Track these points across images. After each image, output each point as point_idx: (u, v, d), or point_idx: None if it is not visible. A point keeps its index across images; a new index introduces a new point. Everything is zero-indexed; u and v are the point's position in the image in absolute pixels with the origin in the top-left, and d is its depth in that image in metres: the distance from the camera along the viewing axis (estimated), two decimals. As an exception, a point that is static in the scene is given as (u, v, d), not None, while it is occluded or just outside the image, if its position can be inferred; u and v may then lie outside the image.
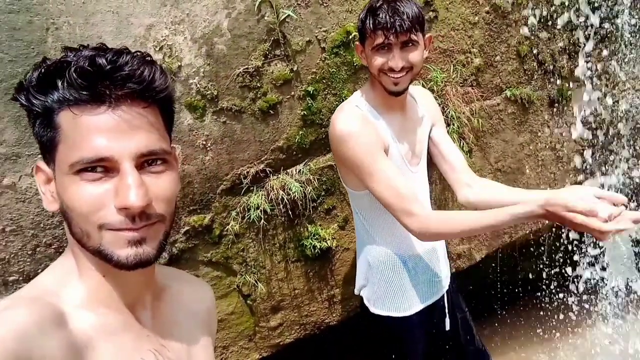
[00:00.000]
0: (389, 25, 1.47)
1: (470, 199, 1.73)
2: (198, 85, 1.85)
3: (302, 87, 2.02)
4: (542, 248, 2.71)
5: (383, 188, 1.53)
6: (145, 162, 0.76)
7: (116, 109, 0.74)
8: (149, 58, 0.79)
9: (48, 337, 0.71)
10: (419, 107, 1.78)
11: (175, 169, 0.84)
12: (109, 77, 0.73)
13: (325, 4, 1.98)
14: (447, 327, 1.85)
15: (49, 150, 0.78)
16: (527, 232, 2.71)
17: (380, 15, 1.48)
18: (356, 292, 1.88)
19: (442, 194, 2.36)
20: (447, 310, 1.84)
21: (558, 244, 2.58)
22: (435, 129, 1.81)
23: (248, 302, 2.22)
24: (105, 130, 0.73)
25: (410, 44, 1.53)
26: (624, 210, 1.22)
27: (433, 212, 1.57)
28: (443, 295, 1.84)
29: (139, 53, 0.78)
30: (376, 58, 1.54)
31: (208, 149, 1.93)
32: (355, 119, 1.58)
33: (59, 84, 0.73)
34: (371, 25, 1.51)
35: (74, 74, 0.72)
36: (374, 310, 1.79)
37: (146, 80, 0.76)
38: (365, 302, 1.83)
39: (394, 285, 1.74)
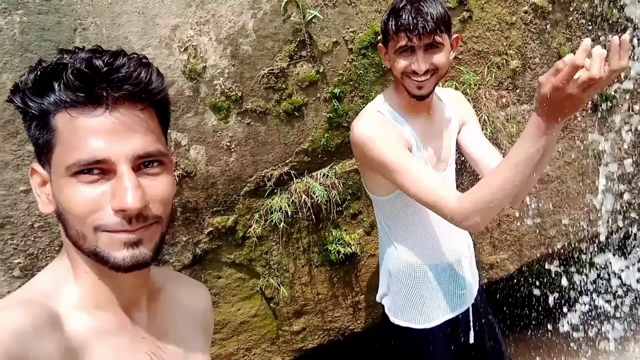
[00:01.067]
0: (411, 27, 1.40)
1: None
2: (223, 86, 1.84)
3: (328, 89, 1.98)
4: (582, 261, 2.56)
5: (412, 183, 1.43)
6: (141, 163, 0.76)
7: (113, 111, 0.74)
8: (145, 60, 0.79)
9: (44, 339, 0.71)
10: (447, 110, 1.70)
11: (172, 170, 0.84)
12: (105, 79, 0.73)
13: (353, 4, 1.93)
14: (472, 341, 1.77)
15: (44, 153, 0.77)
16: (566, 243, 2.57)
17: (403, 16, 1.42)
18: (378, 299, 1.83)
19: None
20: (472, 324, 1.76)
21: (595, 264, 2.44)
22: (466, 127, 1.71)
23: (271, 305, 2.20)
24: (102, 132, 0.73)
25: (435, 46, 1.45)
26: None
27: (464, 194, 1.38)
28: (469, 308, 1.76)
29: (135, 55, 0.78)
30: (399, 61, 1.48)
31: (232, 150, 1.92)
32: (375, 123, 1.53)
33: (56, 86, 0.73)
34: (393, 27, 1.45)
35: (70, 76, 0.72)
36: (394, 320, 1.74)
37: (143, 82, 0.76)
38: (386, 311, 1.78)
39: (415, 296, 1.68)
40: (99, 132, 0.73)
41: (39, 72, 0.75)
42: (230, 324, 2.15)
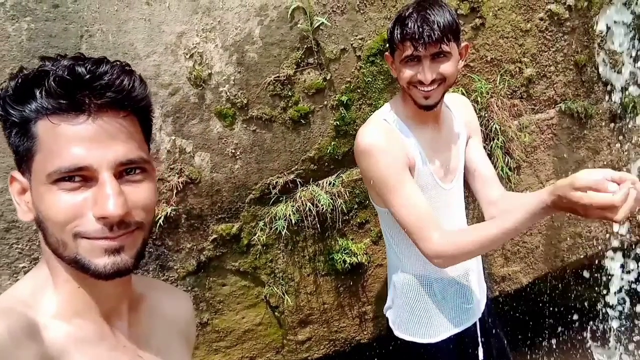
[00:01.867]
0: (417, 36, 1.36)
1: (493, 215, 1.63)
2: (228, 93, 1.83)
3: (335, 97, 1.96)
4: (598, 274, 2.48)
5: (403, 209, 1.45)
6: (123, 171, 0.76)
7: (95, 118, 0.74)
8: (128, 67, 0.80)
9: (21, 348, 0.70)
10: (455, 118, 1.66)
11: (154, 177, 0.84)
12: (88, 86, 0.73)
13: (361, 11, 1.91)
14: (481, 357, 1.72)
15: (25, 160, 0.77)
16: (582, 256, 2.50)
17: (409, 24, 1.38)
18: (384, 311, 1.79)
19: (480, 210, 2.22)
20: (480, 339, 1.71)
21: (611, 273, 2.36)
22: (471, 141, 1.68)
23: (276, 313, 2.18)
24: (83, 139, 0.73)
25: (442, 55, 1.41)
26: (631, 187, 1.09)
27: (447, 234, 1.44)
28: (476, 323, 1.71)
29: (118, 62, 0.78)
30: (405, 70, 1.44)
31: (237, 157, 1.91)
32: (380, 133, 1.50)
33: (37, 93, 0.73)
34: (399, 36, 1.41)
35: (53, 83, 0.72)
36: (398, 333, 1.70)
37: (125, 89, 0.76)
38: (390, 324, 1.74)
39: (419, 310, 1.64)
40: (81, 139, 0.73)
41: (20, 80, 0.75)
42: (234, 332, 2.13)
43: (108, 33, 1.67)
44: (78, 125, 0.73)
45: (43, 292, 0.79)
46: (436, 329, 1.65)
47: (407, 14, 1.41)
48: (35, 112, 0.73)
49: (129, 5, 1.67)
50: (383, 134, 1.50)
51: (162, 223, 1.84)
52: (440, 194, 1.61)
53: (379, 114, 1.59)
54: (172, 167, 1.83)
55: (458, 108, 1.69)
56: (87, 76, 0.72)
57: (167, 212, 1.84)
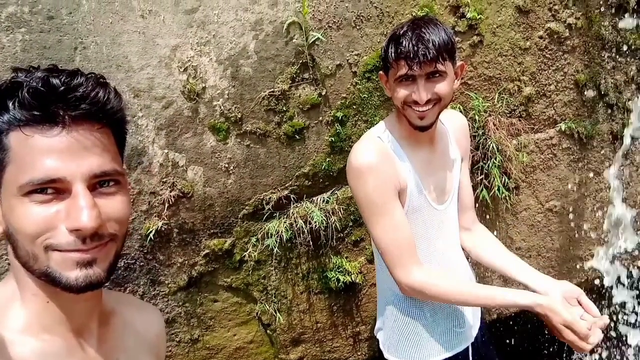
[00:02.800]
0: (412, 55, 1.33)
1: (465, 244, 1.72)
2: (222, 107, 1.83)
3: (330, 112, 1.94)
4: (599, 300, 2.43)
5: (386, 235, 1.45)
6: (97, 183, 0.75)
7: (69, 130, 0.73)
8: (102, 80, 0.79)
9: None
10: (451, 137, 1.63)
11: (128, 190, 0.83)
12: (62, 98, 0.72)
13: (358, 27, 1.90)
14: None
15: None
16: (583, 280, 2.44)
17: (403, 43, 1.35)
18: (375, 333, 1.75)
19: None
20: None
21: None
22: (462, 164, 1.66)
23: (268, 331, 2.14)
24: (57, 151, 0.72)
25: (437, 75, 1.38)
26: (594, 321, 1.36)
27: (429, 272, 1.47)
28: (468, 347, 1.66)
29: (92, 74, 0.78)
30: (399, 90, 1.41)
31: (230, 172, 1.89)
32: (374, 153, 1.46)
33: (10, 104, 0.72)
34: (393, 55, 1.38)
35: (26, 95, 0.71)
36: (388, 356, 1.65)
37: (100, 101, 0.76)
38: (380, 346, 1.70)
39: (409, 333, 1.59)
40: (55, 151, 0.72)
41: None
42: (225, 350, 2.10)
43: (102, 45, 1.67)
44: (52, 138, 0.72)
45: (10, 306, 0.78)
46: (427, 352, 1.60)
47: (401, 33, 1.38)
48: (8, 123, 0.73)
49: (123, 18, 1.67)
50: (377, 154, 1.46)
51: (153, 237, 1.82)
52: (434, 214, 1.57)
53: (373, 131, 1.56)
54: (164, 180, 1.82)
55: (454, 127, 1.66)
56: (62, 88, 0.72)
57: (158, 226, 1.82)
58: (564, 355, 2.63)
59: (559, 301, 1.39)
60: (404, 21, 1.59)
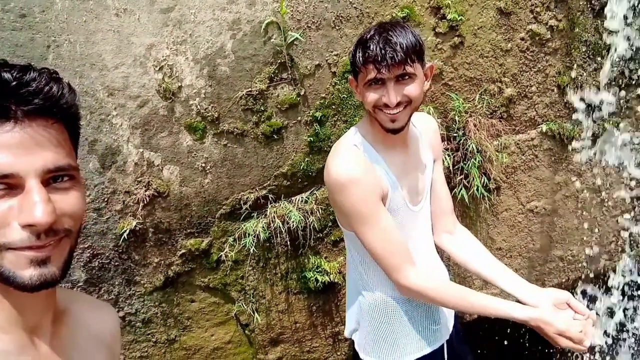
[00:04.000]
0: (380, 58, 1.32)
1: (446, 246, 1.71)
2: (199, 107, 1.81)
3: (309, 112, 1.93)
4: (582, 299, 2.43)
5: (378, 242, 1.44)
6: (51, 178, 0.74)
7: (22, 126, 0.72)
8: (55, 75, 0.78)
9: None
10: (423, 139, 1.62)
11: (82, 185, 0.82)
12: (14, 93, 0.71)
13: (337, 27, 1.89)
14: None
15: None
16: (564, 280, 2.45)
17: (371, 47, 1.34)
18: (347, 334, 1.74)
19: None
20: None
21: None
22: (435, 165, 1.65)
23: (246, 331, 2.14)
24: (10, 146, 0.71)
25: (406, 77, 1.37)
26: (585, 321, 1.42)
27: (426, 276, 1.48)
28: (443, 344, 1.66)
29: (46, 69, 0.76)
30: (369, 94, 1.40)
31: (207, 171, 1.88)
32: (354, 165, 1.44)
33: None
34: (361, 59, 1.37)
35: None
36: (364, 357, 1.65)
37: (54, 96, 0.74)
38: (356, 347, 1.69)
39: (386, 332, 1.59)
40: (7, 146, 0.70)
41: None
42: (203, 350, 2.09)
43: (76, 44, 1.66)
44: (4, 133, 0.71)
45: None
46: (403, 350, 1.60)
47: (368, 37, 1.37)
48: None
49: (97, 16, 1.66)
50: (358, 165, 1.44)
51: (127, 236, 1.81)
52: (410, 216, 1.57)
53: (347, 139, 1.53)
54: (139, 179, 1.81)
55: (425, 128, 1.66)
56: (14, 83, 0.70)
57: (132, 226, 1.81)
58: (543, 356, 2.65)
59: (550, 311, 1.42)
60: (373, 24, 1.58)
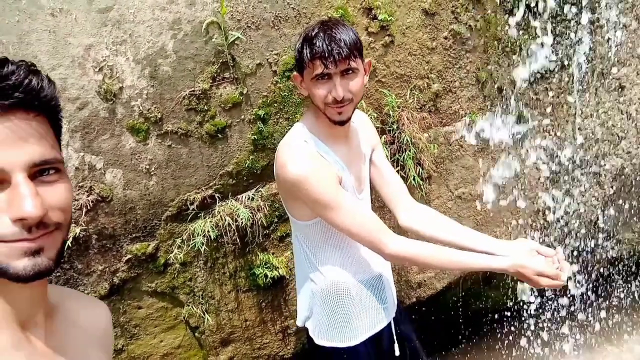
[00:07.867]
0: (326, 54, 1.40)
1: (411, 225, 1.77)
2: (141, 108, 1.78)
3: (252, 111, 1.96)
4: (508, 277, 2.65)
5: (353, 225, 1.50)
6: (37, 172, 0.73)
7: (4, 120, 0.70)
8: (34, 67, 0.76)
9: None
10: (359, 132, 1.73)
11: (68, 177, 0.81)
12: None
13: (276, 27, 1.94)
14: (397, 353, 1.77)
15: None
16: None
17: (317, 43, 1.41)
18: (299, 323, 1.79)
19: (382, 218, 2.30)
20: (395, 337, 1.77)
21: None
22: (375, 153, 1.76)
23: (196, 334, 2.12)
24: None
25: (351, 72, 1.46)
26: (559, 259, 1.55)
27: (405, 241, 1.55)
28: (390, 322, 1.76)
29: (23, 62, 0.75)
30: (317, 89, 1.47)
31: (152, 173, 1.85)
32: (307, 159, 1.50)
33: None
34: (309, 55, 1.44)
35: None
36: (318, 341, 1.71)
37: (35, 89, 0.73)
38: (310, 333, 1.74)
39: (339, 315, 1.66)
40: None
41: None
42: (152, 358, 2.05)
43: (8, 45, 1.58)
44: None
45: None
46: (355, 331, 1.68)
47: (313, 34, 1.44)
48: None
49: (31, 16, 1.59)
50: (312, 157, 1.51)
51: (70, 244, 1.74)
52: (357, 203, 1.65)
53: (295, 137, 1.58)
54: (80, 184, 1.75)
55: (359, 122, 1.76)
56: None
57: (75, 233, 1.75)
58: (479, 333, 2.85)
59: (526, 257, 1.53)
60: (311, 23, 1.65)
